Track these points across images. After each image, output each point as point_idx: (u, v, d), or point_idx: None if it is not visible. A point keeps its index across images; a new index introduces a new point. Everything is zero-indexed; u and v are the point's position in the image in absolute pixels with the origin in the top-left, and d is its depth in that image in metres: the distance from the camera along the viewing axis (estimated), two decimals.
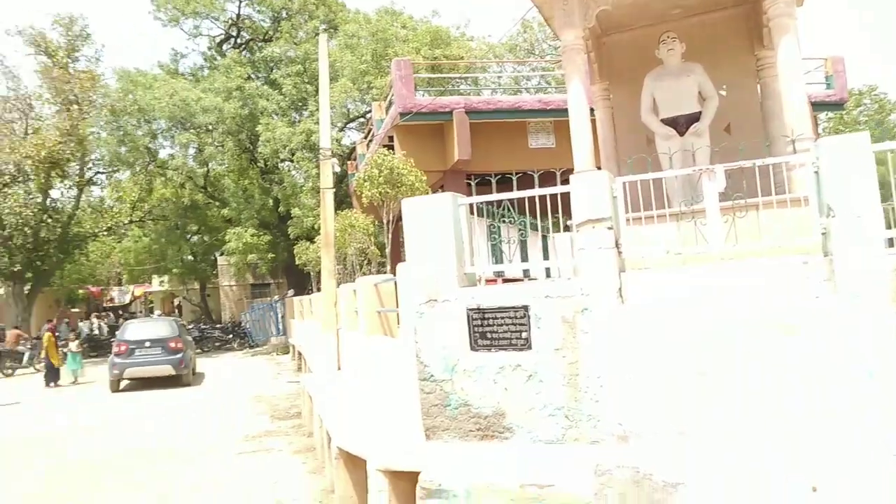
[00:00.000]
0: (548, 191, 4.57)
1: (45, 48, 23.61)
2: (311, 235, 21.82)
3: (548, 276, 6.61)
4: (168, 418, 10.81)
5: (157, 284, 45.08)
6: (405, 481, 4.46)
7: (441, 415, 4.51)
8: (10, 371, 18.86)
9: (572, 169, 5.55)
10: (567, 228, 4.84)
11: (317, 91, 24.01)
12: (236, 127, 22.27)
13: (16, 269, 24.05)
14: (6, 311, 27.61)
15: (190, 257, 36.65)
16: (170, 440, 9.04)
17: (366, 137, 19.15)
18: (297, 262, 21.87)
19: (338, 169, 13.18)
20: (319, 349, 11.84)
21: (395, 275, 8.05)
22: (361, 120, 27.25)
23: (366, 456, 4.84)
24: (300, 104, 24.19)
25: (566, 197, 4.42)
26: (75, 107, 22.95)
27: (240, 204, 23.69)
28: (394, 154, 8.24)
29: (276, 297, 27.99)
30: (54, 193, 26.24)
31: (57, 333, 25.18)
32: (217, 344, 27.17)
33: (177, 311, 43.22)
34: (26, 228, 23.66)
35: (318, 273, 20.91)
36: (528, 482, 3.81)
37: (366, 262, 12.36)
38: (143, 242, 35.22)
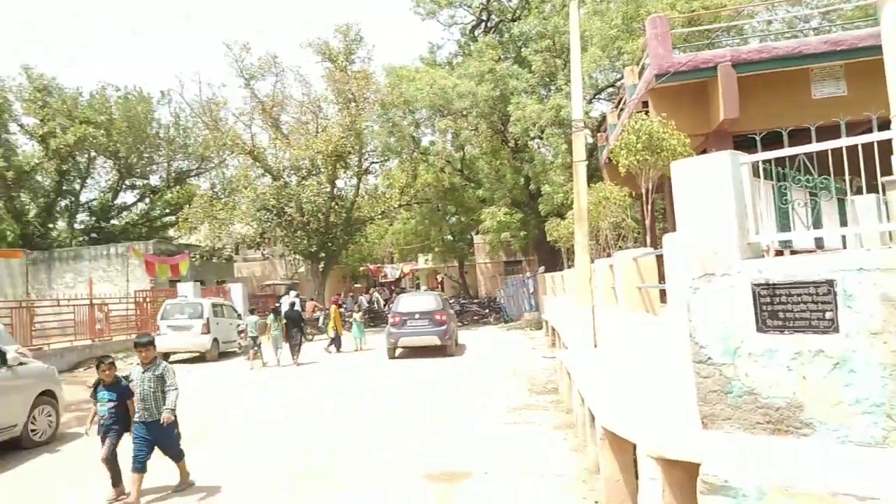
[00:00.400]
0: (860, 139, 3.73)
1: (329, 54, 27.18)
2: (561, 212, 21.77)
3: (844, 246, 5.52)
4: (441, 384, 11.73)
5: (423, 262, 49.57)
6: (679, 471, 4.08)
7: (721, 402, 4.01)
8: (310, 337, 22.36)
9: (863, 121, 4.47)
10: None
11: (566, 64, 23.85)
12: (489, 109, 23.11)
13: (313, 250, 28.39)
14: (306, 285, 32.89)
15: (449, 237, 39.50)
16: (448, 402, 9.80)
17: (616, 107, 18.33)
18: (547, 239, 22.04)
19: (589, 141, 12.81)
20: (573, 325, 11.73)
21: (653, 248, 7.52)
22: (611, 90, 26.23)
23: (635, 439, 4.56)
24: (549, 80, 24.13)
25: (867, 151, 3.55)
26: (353, 104, 26.08)
27: (493, 184, 24.65)
28: (651, 118, 7.60)
29: (527, 274, 28.67)
30: (339, 183, 30.31)
31: (343, 306, 29.25)
32: (475, 318, 28.87)
33: (440, 286, 46.99)
34: (319, 214, 27.72)
35: (570, 249, 20.82)
36: (841, 490, 3.18)
37: (620, 236, 11.84)
38: (410, 224, 38.87)
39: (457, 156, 27.72)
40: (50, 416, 7.94)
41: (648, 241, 9.42)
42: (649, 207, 8.02)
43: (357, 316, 19.12)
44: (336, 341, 18.31)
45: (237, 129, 28.51)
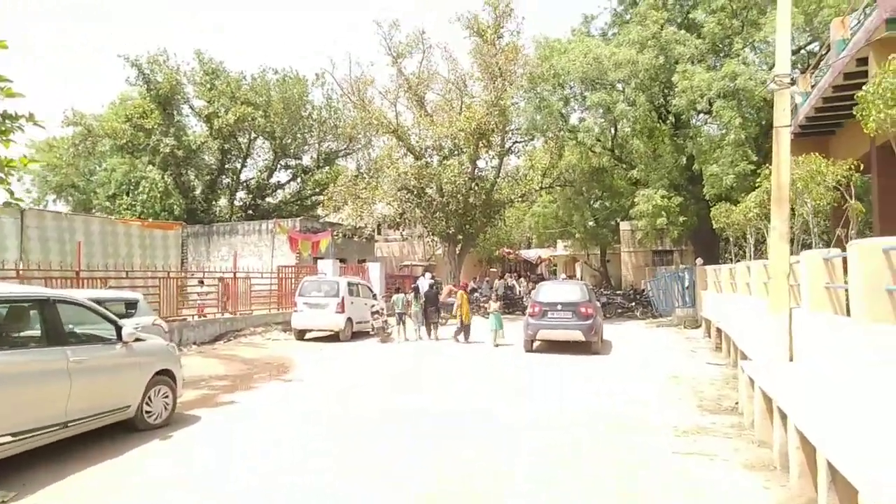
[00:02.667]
0: None
1: (477, 29, 25.95)
2: (729, 196, 19.01)
3: None
4: (587, 390, 10.11)
5: (561, 248, 47.39)
6: None
7: None
8: (443, 321, 21.53)
9: None
10: None
11: (743, 26, 20.73)
12: (649, 80, 20.68)
13: (450, 231, 27.59)
14: (442, 268, 32.31)
15: (592, 222, 37.08)
16: (597, 415, 8.22)
17: (812, 70, 15.28)
18: (713, 227, 19.37)
19: (797, 100, 10.40)
20: (757, 331, 9.57)
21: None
22: (800, 53, 22.61)
23: None
24: (722, 46, 21.14)
25: None
26: (499, 79, 24.68)
27: (648, 164, 22.17)
28: None
29: (682, 266, 25.82)
30: (480, 164, 29.16)
31: (478, 290, 28.19)
32: (619, 311, 26.59)
33: (579, 275, 44.62)
34: (458, 195, 26.79)
35: (741, 239, 18.04)
36: None
37: (827, 222, 9.45)
38: (551, 208, 36.97)
39: (608, 133, 25.37)
40: (167, 396, 7.46)
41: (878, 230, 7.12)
42: None
43: (494, 305, 16.79)
44: (465, 330, 16.67)
45: (382, 107, 28.29)
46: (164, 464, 6.20)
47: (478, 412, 8.48)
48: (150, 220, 27.25)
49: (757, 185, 12.27)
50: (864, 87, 6.28)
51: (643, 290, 29.60)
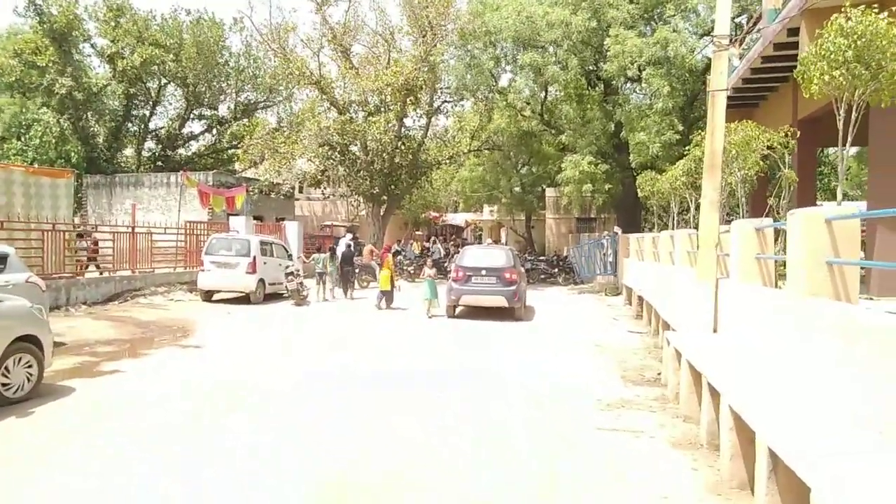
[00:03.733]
0: None
1: None
2: (654, 164, 19.07)
3: None
4: (508, 359, 9.68)
5: (487, 213, 47.28)
6: None
7: None
8: (365, 283, 20.76)
9: None
10: None
11: None
12: (581, 43, 20.21)
13: (375, 192, 26.57)
14: (366, 229, 31.34)
15: (518, 188, 36.97)
16: (518, 387, 7.77)
17: (741, 40, 15.23)
18: (638, 195, 19.44)
19: (736, 62, 10.15)
20: (682, 301, 9.41)
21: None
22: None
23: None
24: (653, 12, 20.93)
25: None
26: (429, 34, 23.59)
27: (577, 130, 21.90)
28: (872, 15, 5.04)
29: (605, 233, 26.03)
30: (407, 122, 28.12)
31: (402, 253, 27.44)
32: (542, 276, 26.64)
33: (502, 240, 44.74)
34: (384, 154, 25.73)
35: (664, 208, 18.17)
36: None
37: (753, 191, 9.32)
38: (478, 172, 36.52)
39: (539, 97, 24.90)
40: (30, 366, 6.37)
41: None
42: (846, 148, 5.50)
43: (430, 271, 15.37)
44: (387, 296, 15.62)
45: (305, 56, 26.56)
46: (19, 445, 5.22)
47: (389, 376, 7.87)
48: (40, 166, 24.67)
49: (686, 152, 12.10)
50: (806, 50, 5.93)
51: (566, 257, 29.83)
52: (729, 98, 18.05)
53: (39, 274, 13.07)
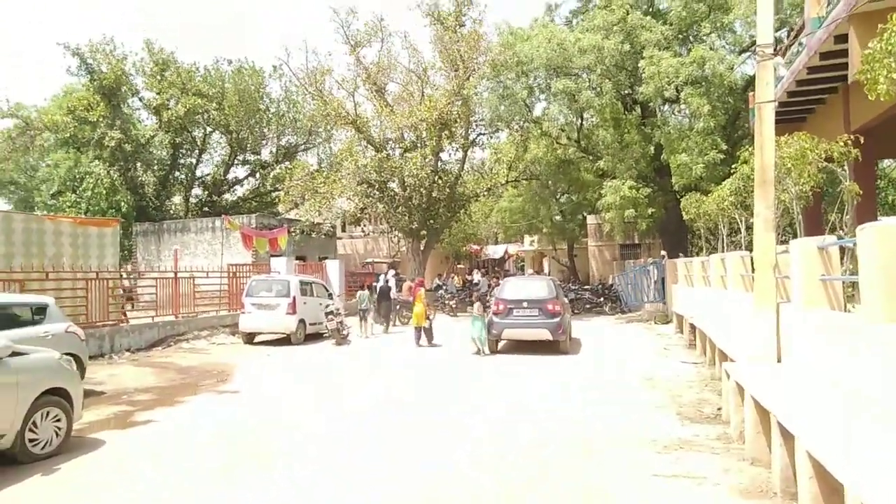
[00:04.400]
0: None
1: (438, 16, 24.87)
2: (699, 186, 18.39)
3: None
4: (554, 397, 9.19)
5: (528, 244, 46.72)
6: None
7: None
8: (406, 320, 20.46)
9: None
10: None
11: (710, 10, 20.08)
12: (615, 67, 19.86)
13: (413, 227, 26.51)
14: (406, 265, 31.23)
15: (558, 217, 36.44)
16: (565, 430, 7.26)
17: (784, 52, 14.60)
18: (682, 219, 18.73)
19: (781, 72, 9.63)
20: (740, 329, 8.75)
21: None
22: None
23: None
24: (688, 32, 20.49)
25: None
26: (461, 66, 23.67)
27: (615, 155, 21.40)
28: None
29: (650, 259, 25.21)
30: (444, 157, 28.13)
31: (443, 288, 27.08)
32: (587, 306, 25.88)
33: (544, 270, 44.04)
34: (422, 189, 25.71)
35: (711, 231, 17.42)
36: None
37: (808, 209, 8.69)
38: (517, 202, 36.20)
39: (574, 124, 24.57)
40: (58, 420, 6.23)
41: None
42: None
43: (477, 307, 14.11)
44: (427, 333, 14.97)
45: (341, 98, 27.00)
46: None
47: (430, 422, 7.47)
48: (92, 216, 25.53)
49: (732, 171, 11.52)
50: (870, 45, 5.43)
51: (611, 285, 29.00)
52: (775, 114, 17.38)
53: (84, 323, 13.30)
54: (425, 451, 6.47)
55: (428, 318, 15.16)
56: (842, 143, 6.35)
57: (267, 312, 15.64)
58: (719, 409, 7.97)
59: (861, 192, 7.78)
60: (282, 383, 10.83)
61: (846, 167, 8.73)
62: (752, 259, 10.00)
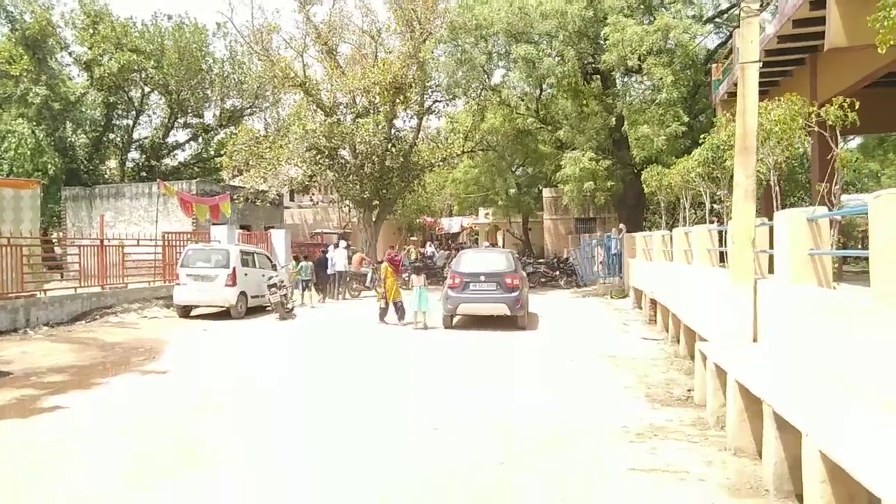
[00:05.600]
0: None
1: None
2: (659, 158, 18.02)
3: None
4: (517, 378, 8.58)
5: (483, 217, 46.19)
6: None
7: None
8: (356, 293, 19.59)
9: None
10: None
11: None
12: (578, 34, 19.10)
13: (365, 196, 25.45)
14: (358, 236, 30.22)
15: (514, 190, 35.94)
16: (530, 413, 6.63)
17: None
18: (639, 192, 18.40)
19: (767, 29, 9.03)
20: (711, 305, 8.26)
21: None
22: (727, 16, 21.81)
23: None
24: (652, 1, 19.92)
25: None
26: (417, 28, 22.52)
27: (575, 125, 20.79)
28: None
29: (608, 234, 24.96)
30: (398, 124, 27.02)
31: (403, 262, 26.29)
32: (543, 280, 25.50)
33: (498, 243, 43.65)
34: (374, 157, 24.60)
35: (672, 204, 17.09)
36: None
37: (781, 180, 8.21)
38: (472, 174, 35.47)
39: (533, 94, 23.81)
40: None
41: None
42: None
43: (417, 279, 13.59)
44: (397, 310, 13.50)
45: (289, 58, 25.43)
46: None
47: (375, 409, 6.73)
48: (14, 179, 23.42)
49: (701, 140, 11.00)
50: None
51: (567, 259, 28.72)
52: (735, 86, 17.03)
53: None
54: (373, 442, 5.73)
55: (379, 292, 13.91)
56: (836, 106, 5.83)
57: (204, 284, 14.51)
58: (689, 390, 7.49)
59: (856, 159, 7.31)
60: (216, 363, 9.86)
61: (811, 139, 8.29)
62: (719, 233, 9.58)
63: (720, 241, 9.49)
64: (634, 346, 10.86)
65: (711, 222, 10.94)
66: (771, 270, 7.62)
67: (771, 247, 7.79)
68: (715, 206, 11.47)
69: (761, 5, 7.02)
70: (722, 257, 9.45)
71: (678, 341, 10.44)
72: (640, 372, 8.73)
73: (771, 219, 7.63)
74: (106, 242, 15.58)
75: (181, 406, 7.02)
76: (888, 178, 35.44)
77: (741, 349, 6.40)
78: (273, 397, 7.52)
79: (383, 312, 13.66)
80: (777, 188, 8.11)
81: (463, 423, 6.30)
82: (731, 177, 10.78)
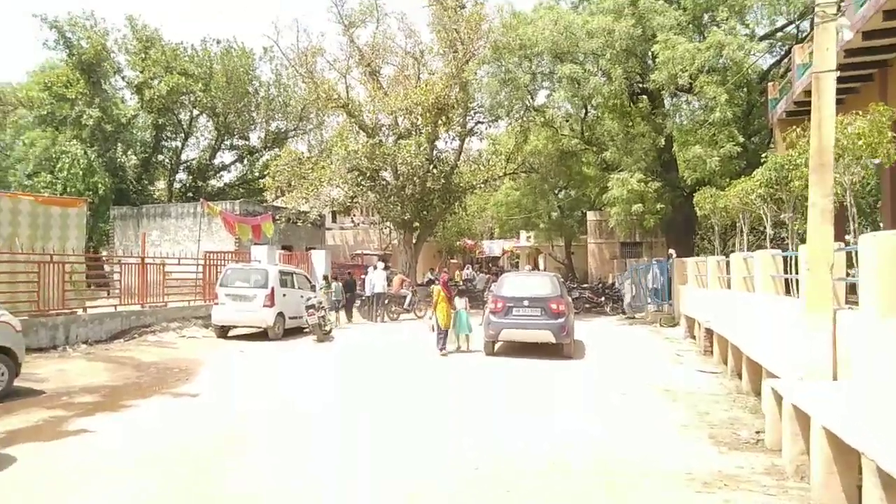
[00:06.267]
0: None
1: None
2: (712, 180, 17.25)
3: None
4: (562, 413, 7.97)
5: (524, 240, 45.50)
6: None
7: None
8: (395, 315, 19.21)
9: None
10: None
11: None
12: (625, 52, 18.56)
13: (406, 218, 25.23)
14: (397, 257, 29.98)
15: (557, 213, 35.27)
16: (576, 456, 6.03)
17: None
18: (689, 216, 17.59)
19: (846, 36, 8.37)
20: (779, 338, 7.53)
21: None
22: (781, 34, 20.97)
23: None
24: (703, 18, 19.28)
25: None
26: (460, 47, 22.36)
27: (622, 146, 20.14)
28: None
29: (656, 259, 24.04)
30: (439, 145, 26.83)
31: (437, 282, 25.92)
32: (587, 306, 24.72)
33: (538, 266, 42.85)
34: (415, 178, 24.38)
35: (728, 228, 16.23)
36: None
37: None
38: (514, 196, 34.96)
39: (578, 113, 23.28)
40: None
41: None
42: None
43: (460, 303, 13.07)
44: (441, 337, 12.58)
45: (332, 80, 25.60)
46: None
47: (413, 447, 6.24)
48: (60, 197, 24.03)
49: (763, 159, 10.32)
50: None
51: (612, 284, 27.83)
52: (795, 104, 16.21)
53: (34, 311, 11.96)
54: (414, 477, 5.23)
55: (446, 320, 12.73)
56: None
57: (242, 304, 14.35)
58: (758, 432, 6.76)
59: None
60: (251, 386, 9.54)
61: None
62: (784, 258, 8.85)
63: (785, 267, 8.77)
64: (690, 380, 10.10)
65: (773, 247, 10.21)
66: (848, 300, 6.91)
67: (849, 274, 7.12)
68: (775, 229, 10.72)
69: (838, 9, 6.42)
70: (787, 285, 8.72)
71: (739, 376, 9.67)
72: (700, 409, 8.01)
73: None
74: (147, 261, 15.62)
75: (208, 435, 6.66)
76: None
77: (823, 389, 5.70)
78: (310, 424, 7.11)
79: (441, 340, 12.63)
80: (854, 209, 7.42)
81: (509, 457, 5.75)
82: (797, 198, 10.09)
